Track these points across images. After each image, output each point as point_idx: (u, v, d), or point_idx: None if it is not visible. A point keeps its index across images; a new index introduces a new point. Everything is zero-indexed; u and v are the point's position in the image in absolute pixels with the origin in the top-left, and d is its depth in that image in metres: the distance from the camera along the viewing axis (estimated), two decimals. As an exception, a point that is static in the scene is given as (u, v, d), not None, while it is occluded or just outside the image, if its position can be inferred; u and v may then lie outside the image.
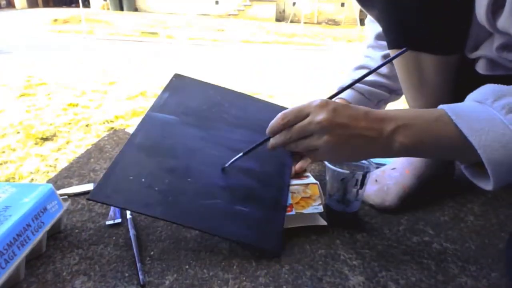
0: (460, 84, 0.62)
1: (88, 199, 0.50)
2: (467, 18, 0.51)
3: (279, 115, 0.48)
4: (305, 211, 0.57)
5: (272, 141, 0.50)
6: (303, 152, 0.49)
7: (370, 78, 0.77)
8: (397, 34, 0.58)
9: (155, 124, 0.63)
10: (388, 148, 0.45)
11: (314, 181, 0.60)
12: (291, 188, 0.59)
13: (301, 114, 0.47)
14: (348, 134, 0.45)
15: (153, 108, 0.66)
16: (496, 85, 0.43)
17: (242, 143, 0.62)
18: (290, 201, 0.57)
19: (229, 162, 0.57)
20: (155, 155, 0.58)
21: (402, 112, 0.46)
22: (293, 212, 0.56)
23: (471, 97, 0.45)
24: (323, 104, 0.46)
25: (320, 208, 0.57)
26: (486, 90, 0.44)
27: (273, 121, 0.49)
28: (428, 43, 0.56)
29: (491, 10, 0.44)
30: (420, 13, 0.54)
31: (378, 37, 0.78)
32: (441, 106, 0.45)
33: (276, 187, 0.59)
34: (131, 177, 0.53)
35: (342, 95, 0.77)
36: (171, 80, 0.73)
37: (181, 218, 0.51)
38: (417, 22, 0.55)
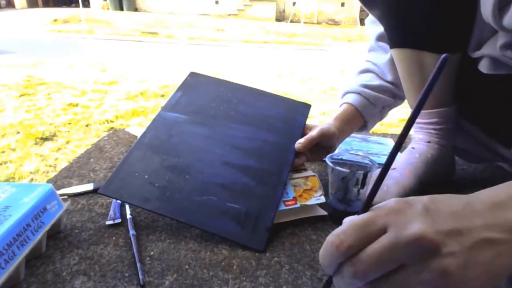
0: (461, 83, 0.62)
1: (99, 193, 0.56)
2: (470, 16, 0.51)
3: (330, 238, 0.28)
4: (308, 202, 0.59)
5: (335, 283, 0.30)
6: None
7: (375, 83, 0.77)
8: (399, 33, 0.58)
9: (164, 123, 0.66)
10: None
11: (313, 173, 0.64)
12: (293, 181, 0.61)
13: (369, 230, 0.27)
14: (468, 245, 0.26)
15: (165, 108, 0.69)
16: None
17: (246, 140, 0.65)
18: (293, 194, 0.60)
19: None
20: (160, 153, 0.61)
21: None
22: (297, 205, 0.58)
23: None
24: (405, 205, 0.28)
25: (322, 199, 0.60)
26: None
27: (323, 250, 0.29)
28: (431, 42, 0.56)
29: (497, 7, 0.44)
30: (422, 11, 0.53)
31: (379, 38, 0.78)
32: None
33: (272, 185, 0.59)
34: (136, 174, 0.58)
35: (348, 99, 0.77)
36: (186, 79, 0.76)
37: (174, 212, 0.55)
38: (420, 20, 0.54)
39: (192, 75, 0.77)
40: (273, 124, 0.69)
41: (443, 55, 0.27)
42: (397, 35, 0.59)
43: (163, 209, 0.54)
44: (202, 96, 0.72)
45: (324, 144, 0.69)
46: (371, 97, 0.76)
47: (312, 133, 0.66)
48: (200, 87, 0.74)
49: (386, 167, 0.30)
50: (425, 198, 0.29)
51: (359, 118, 0.76)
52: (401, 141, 0.29)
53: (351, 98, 0.77)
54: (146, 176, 0.58)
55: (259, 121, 0.69)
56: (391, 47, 0.62)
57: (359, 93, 0.77)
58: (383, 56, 0.77)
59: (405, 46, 0.60)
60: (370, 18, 0.78)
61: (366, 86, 0.77)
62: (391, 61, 0.73)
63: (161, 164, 0.60)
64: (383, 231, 0.27)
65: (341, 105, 0.78)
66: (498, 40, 0.50)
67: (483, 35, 0.52)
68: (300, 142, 0.65)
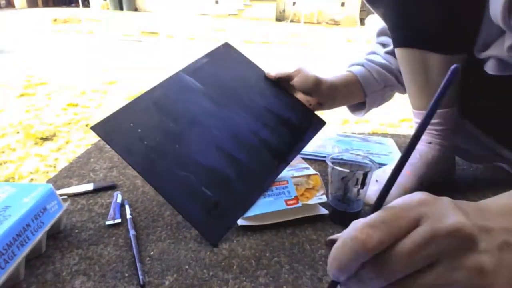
0: (464, 84, 0.61)
1: (90, 128, 0.55)
2: (477, 17, 0.50)
3: (351, 233, 0.25)
4: (310, 201, 0.59)
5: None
6: None
7: (381, 61, 0.77)
8: (403, 32, 0.58)
9: (179, 85, 0.64)
10: None
11: (314, 172, 0.63)
12: (295, 180, 0.61)
13: (400, 223, 0.24)
14: (496, 244, 0.24)
15: (186, 69, 0.67)
16: None
17: (248, 133, 0.64)
18: (295, 193, 0.59)
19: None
20: (162, 113, 0.60)
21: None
22: (299, 204, 0.58)
23: None
24: (433, 198, 0.25)
25: (324, 198, 0.60)
26: None
27: (339, 249, 0.25)
28: (436, 42, 0.55)
29: (507, 9, 0.44)
30: (428, 11, 0.53)
31: (380, 33, 0.78)
32: None
33: (251, 186, 0.59)
34: (132, 124, 0.57)
35: (351, 69, 0.77)
36: (218, 47, 0.73)
37: (149, 176, 0.54)
38: (425, 20, 0.54)
39: (226, 46, 0.74)
40: (280, 128, 0.67)
41: (453, 66, 0.24)
42: (401, 34, 0.58)
43: (141, 168, 0.54)
44: (226, 72, 0.70)
45: (303, 87, 0.69)
46: (374, 71, 0.76)
47: (290, 69, 0.67)
48: (228, 61, 0.72)
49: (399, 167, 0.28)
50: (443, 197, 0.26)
51: (359, 88, 0.76)
52: (408, 154, 0.27)
53: (354, 68, 0.76)
54: (139, 130, 0.57)
55: (268, 119, 0.67)
56: (395, 46, 0.61)
57: (362, 65, 0.76)
58: (382, 49, 0.78)
59: (410, 46, 0.59)
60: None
61: (371, 61, 0.77)
62: (393, 53, 0.74)
63: (158, 124, 0.59)
64: (415, 224, 0.23)
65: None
66: (505, 41, 0.49)
67: (490, 36, 0.52)
68: (272, 71, 0.66)
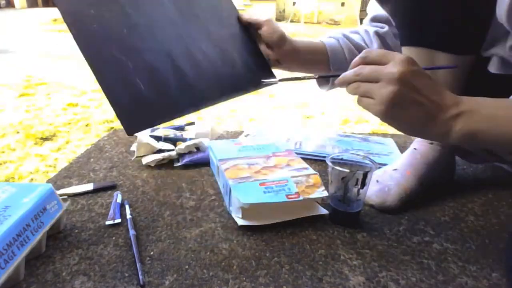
0: (469, 82, 0.61)
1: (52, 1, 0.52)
2: (488, 18, 0.50)
3: (363, 52, 0.47)
4: (311, 196, 0.59)
5: (342, 75, 0.48)
6: (359, 95, 0.46)
7: (358, 41, 0.78)
8: (412, 31, 0.57)
9: None
10: (445, 132, 0.44)
11: (314, 171, 0.64)
12: (295, 179, 0.61)
13: (383, 59, 0.45)
14: (413, 98, 0.43)
15: None
16: None
17: (200, 42, 0.63)
18: (296, 189, 0.59)
19: (266, 81, 0.64)
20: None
21: (478, 98, 0.44)
22: (300, 198, 0.58)
23: None
24: (409, 61, 0.43)
25: (325, 193, 0.60)
26: None
27: (356, 58, 0.47)
28: (446, 42, 0.55)
29: None
30: (439, 10, 0.52)
31: (373, 19, 0.79)
32: None
33: (187, 99, 0.57)
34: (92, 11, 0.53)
35: (323, 39, 0.78)
36: None
37: (84, 44, 0.50)
38: (436, 20, 0.53)
39: None
40: (233, 66, 0.67)
41: (454, 66, 0.41)
42: (410, 33, 0.57)
43: (78, 33, 0.50)
44: None
45: (268, 39, 0.70)
46: (346, 48, 0.76)
47: (261, 17, 0.69)
48: None
49: None
50: (425, 70, 0.45)
51: (325, 60, 0.76)
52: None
53: (328, 40, 0.77)
54: (92, 12, 0.53)
55: (225, 54, 0.67)
56: (402, 45, 0.60)
57: (338, 40, 0.77)
58: (373, 29, 0.78)
59: (418, 45, 0.58)
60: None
61: (347, 38, 0.78)
62: (380, 36, 0.75)
63: (114, 2, 0.56)
64: (387, 62, 0.44)
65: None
66: (508, 41, 0.49)
67: (496, 35, 0.51)
68: (245, 15, 0.69)
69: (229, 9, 0.73)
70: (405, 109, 0.43)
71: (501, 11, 0.45)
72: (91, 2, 0.54)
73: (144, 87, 0.53)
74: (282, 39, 0.71)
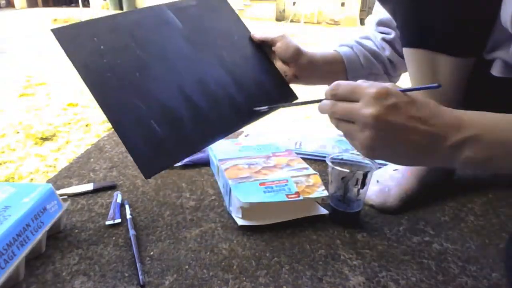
0: (471, 85, 0.61)
1: (51, 30, 0.51)
2: (490, 20, 0.50)
3: (332, 85, 0.43)
4: (311, 195, 0.58)
5: (320, 104, 0.45)
6: (343, 133, 0.44)
7: (371, 47, 0.76)
8: (413, 32, 0.56)
9: (158, 17, 0.61)
10: (450, 161, 0.39)
11: (314, 171, 0.63)
12: (294, 179, 0.61)
13: (352, 95, 0.41)
14: (397, 136, 0.39)
15: (170, 5, 0.63)
16: None
17: (214, 84, 0.61)
18: (296, 189, 0.59)
19: (257, 108, 0.60)
20: (131, 38, 0.57)
21: (480, 117, 0.40)
22: (300, 198, 0.58)
23: None
24: (382, 94, 0.38)
25: (325, 193, 0.59)
26: None
27: (327, 89, 0.44)
28: (447, 44, 0.54)
29: None
30: (441, 12, 0.52)
31: (379, 24, 0.78)
32: None
33: (202, 134, 0.57)
34: (95, 39, 0.54)
35: (338, 48, 0.76)
36: None
37: (98, 93, 0.51)
38: (439, 22, 0.52)
39: None
40: (250, 89, 0.65)
41: (436, 85, 0.37)
42: (410, 34, 0.57)
43: (92, 83, 0.51)
44: (211, 20, 0.66)
45: (283, 55, 0.69)
46: (362, 55, 0.74)
47: (274, 34, 0.68)
48: (217, 12, 0.69)
49: None
50: (405, 96, 0.40)
51: (342, 70, 0.74)
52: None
53: (342, 49, 0.75)
54: (102, 47, 0.54)
55: (241, 77, 0.65)
56: (403, 46, 0.60)
57: (351, 47, 0.75)
58: (380, 35, 0.77)
59: (420, 47, 0.57)
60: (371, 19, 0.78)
61: (361, 45, 0.76)
62: (389, 42, 0.74)
63: (124, 47, 0.55)
64: (358, 100, 0.40)
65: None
66: (511, 45, 0.49)
67: (499, 38, 0.51)
68: (258, 33, 0.67)
69: (241, 30, 0.72)
70: (392, 149, 0.40)
71: (506, 17, 0.45)
72: (103, 51, 0.54)
73: (159, 128, 0.54)
74: (298, 53, 0.70)
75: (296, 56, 0.70)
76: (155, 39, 0.59)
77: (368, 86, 0.40)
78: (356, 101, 0.40)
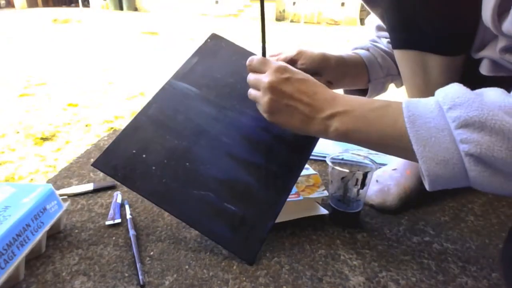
0: (463, 83, 0.61)
1: (92, 165, 0.51)
2: (476, 17, 0.50)
3: (248, 59, 0.52)
4: (311, 196, 0.59)
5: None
6: (253, 99, 0.52)
7: (384, 47, 0.76)
8: (402, 34, 0.57)
9: (173, 95, 0.59)
10: (324, 131, 0.47)
11: (314, 171, 0.63)
12: None
13: (261, 68, 0.50)
14: (285, 103, 0.47)
15: (176, 76, 0.61)
16: (462, 88, 0.41)
17: (257, 131, 0.58)
18: (295, 189, 0.59)
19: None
20: (163, 131, 0.56)
21: (352, 98, 0.47)
22: (300, 198, 0.58)
23: (438, 94, 0.42)
24: (281, 69, 0.48)
25: (325, 193, 0.59)
26: (451, 92, 0.41)
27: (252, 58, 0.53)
28: (436, 44, 0.55)
29: (497, 13, 0.44)
30: (428, 12, 0.53)
31: (379, 29, 0.78)
32: (404, 101, 0.42)
33: (275, 191, 0.54)
34: (134, 151, 0.53)
35: (356, 51, 0.75)
36: (206, 41, 0.66)
37: (167, 204, 0.51)
38: (425, 22, 0.54)
39: (214, 37, 0.67)
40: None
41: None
42: (400, 36, 0.58)
43: (155, 197, 0.51)
44: (219, 67, 0.63)
45: (311, 67, 0.66)
46: (379, 56, 0.74)
47: (291, 52, 0.67)
48: (220, 55, 0.65)
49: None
50: (301, 74, 0.49)
51: (364, 72, 0.73)
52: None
53: (360, 51, 0.74)
54: (144, 156, 0.53)
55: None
56: (393, 48, 0.61)
57: (368, 49, 0.75)
58: (386, 39, 0.77)
59: (409, 48, 0.58)
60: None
61: (376, 46, 0.76)
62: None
63: (161, 144, 0.54)
64: (265, 71, 0.49)
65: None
66: (498, 43, 0.49)
67: (485, 37, 0.52)
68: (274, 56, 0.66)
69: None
70: (282, 114, 0.48)
71: (486, 15, 0.46)
72: (147, 162, 0.53)
73: (236, 207, 0.52)
74: (325, 59, 0.67)
75: (324, 63, 0.67)
76: (183, 119, 0.57)
77: (274, 62, 0.49)
78: (264, 72, 0.49)
